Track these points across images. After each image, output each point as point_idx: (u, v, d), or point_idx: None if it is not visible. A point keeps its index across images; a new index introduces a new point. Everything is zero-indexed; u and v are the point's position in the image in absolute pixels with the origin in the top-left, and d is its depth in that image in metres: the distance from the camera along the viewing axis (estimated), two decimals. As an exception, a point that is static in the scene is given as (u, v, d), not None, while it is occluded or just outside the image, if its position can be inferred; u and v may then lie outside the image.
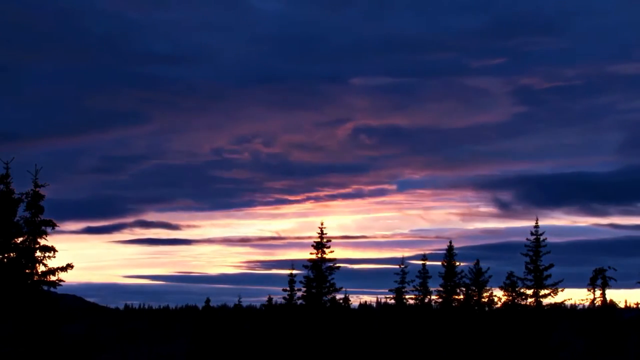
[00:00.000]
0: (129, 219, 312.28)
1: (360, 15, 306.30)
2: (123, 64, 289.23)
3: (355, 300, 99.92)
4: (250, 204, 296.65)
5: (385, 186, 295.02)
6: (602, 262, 59.49)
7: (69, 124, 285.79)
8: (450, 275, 63.14)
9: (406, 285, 64.83)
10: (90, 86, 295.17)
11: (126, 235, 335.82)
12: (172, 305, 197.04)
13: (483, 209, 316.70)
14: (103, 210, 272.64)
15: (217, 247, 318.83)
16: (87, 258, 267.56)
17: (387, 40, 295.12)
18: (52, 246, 36.96)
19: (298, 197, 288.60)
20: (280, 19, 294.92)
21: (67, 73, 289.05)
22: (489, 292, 62.26)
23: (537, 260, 57.57)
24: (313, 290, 58.82)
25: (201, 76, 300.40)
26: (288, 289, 59.97)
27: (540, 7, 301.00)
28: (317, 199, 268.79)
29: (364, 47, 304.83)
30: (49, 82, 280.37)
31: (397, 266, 65.00)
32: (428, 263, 64.67)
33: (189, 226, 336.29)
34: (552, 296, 57.62)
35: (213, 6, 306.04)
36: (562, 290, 57.38)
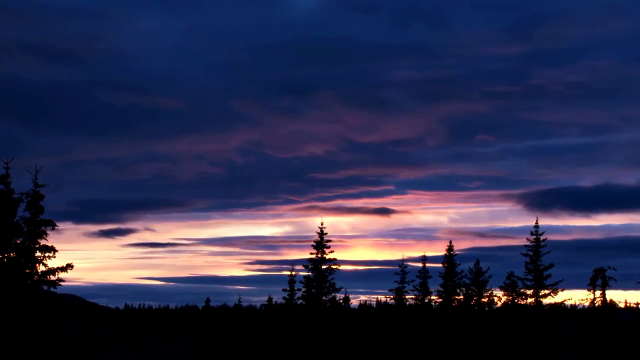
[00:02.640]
0: (139, 223, 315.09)
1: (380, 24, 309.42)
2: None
3: (355, 301, 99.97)
4: (253, 205, 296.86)
5: (385, 187, 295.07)
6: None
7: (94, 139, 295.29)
8: (450, 275, 63.16)
9: (406, 285, 64.90)
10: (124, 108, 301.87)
11: (136, 237, 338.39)
12: (172, 306, 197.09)
13: (480, 210, 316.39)
14: (115, 214, 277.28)
15: (219, 248, 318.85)
16: (99, 260, 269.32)
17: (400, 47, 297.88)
18: (52, 246, 36.99)
19: (299, 199, 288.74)
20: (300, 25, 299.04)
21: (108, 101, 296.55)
22: (489, 292, 62.31)
23: (537, 260, 57.60)
24: (313, 290, 58.81)
25: (213, 84, 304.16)
26: (288, 289, 59.98)
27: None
28: (318, 199, 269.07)
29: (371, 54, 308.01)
30: (95, 108, 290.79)
31: (397, 267, 65.16)
32: (427, 264, 64.84)
33: (193, 228, 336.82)
34: (552, 296, 57.66)
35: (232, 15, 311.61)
36: (562, 290, 57.47)
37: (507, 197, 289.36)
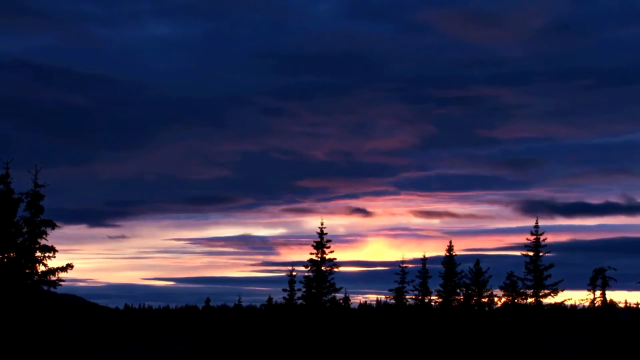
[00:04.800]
0: (140, 223, 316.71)
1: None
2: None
3: (355, 300, 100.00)
4: (254, 206, 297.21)
5: (384, 188, 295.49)
6: None
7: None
8: (450, 275, 63.12)
9: (406, 285, 64.83)
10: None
11: (135, 238, 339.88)
12: (172, 306, 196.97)
13: (481, 208, 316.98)
14: (116, 215, 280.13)
15: (220, 248, 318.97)
16: (99, 260, 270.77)
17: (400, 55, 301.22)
18: (52, 246, 36.99)
19: (299, 200, 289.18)
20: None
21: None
22: (489, 292, 62.28)
23: (537, 260, 57.61)
24: (313, 290, 58.81)
25: (215, 87, 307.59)
26: (288, 289, 59.96)
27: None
28: (318, 200, 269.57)
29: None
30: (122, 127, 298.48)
31: (397, 267, 65.13)
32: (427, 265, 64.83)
33: (194, 228, 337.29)
34: (552, 296, 57.66)
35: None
36: (562, 291, 57.53)
37: (503, 199, 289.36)
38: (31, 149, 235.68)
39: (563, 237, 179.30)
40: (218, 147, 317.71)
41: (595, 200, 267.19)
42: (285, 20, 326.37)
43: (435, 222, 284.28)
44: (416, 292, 64.87)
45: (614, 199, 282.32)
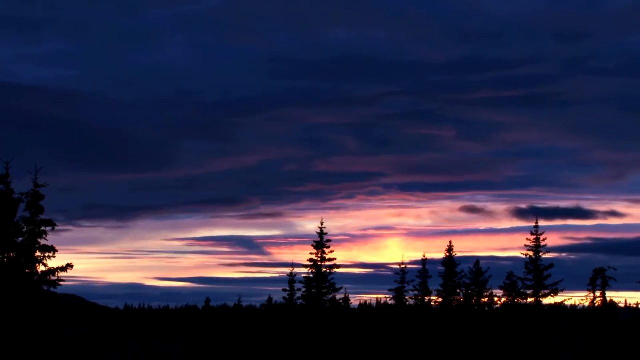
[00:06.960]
0: (141, 223, 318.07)
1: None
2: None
3: (355, 300, 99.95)
4: (254, 208, 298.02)
5: (380, 189, 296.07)
6: None
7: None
8: (450, 275, 63.14)
9: (406, 285, 64.84)
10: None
11: (134, 237, 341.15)
12: (172, 306, 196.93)
13: (478, 209, 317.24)
14: (117, 215, 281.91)
15: (219, 248, 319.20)
16: (100, 259, 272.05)
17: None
18: (52, 246, 37.00)
19: (299, 200, 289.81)
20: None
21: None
22: (489, 292, 62.30)
23: (537, 260, 57.62)
24: (313, 290, 58.80)
25: (215, 91, 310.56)
26: (288, 289, 59.94)
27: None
28: (317, 201, 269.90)
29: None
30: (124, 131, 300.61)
31: (394, 267, 65.18)
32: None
33: (195, 229, 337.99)
34: (552, 296, 57.68)
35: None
36: (562, 291, 57.57)
37: (499, 200, 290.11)
38: (35, 154, 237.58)
39: (556, 238, 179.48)
40: (218, 151, 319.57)
41: (588, 204, 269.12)
42: (284, 24, 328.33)
43: (429, 222, 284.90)
44: (416, 292, 64.91)
45: (607, 202, 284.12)
